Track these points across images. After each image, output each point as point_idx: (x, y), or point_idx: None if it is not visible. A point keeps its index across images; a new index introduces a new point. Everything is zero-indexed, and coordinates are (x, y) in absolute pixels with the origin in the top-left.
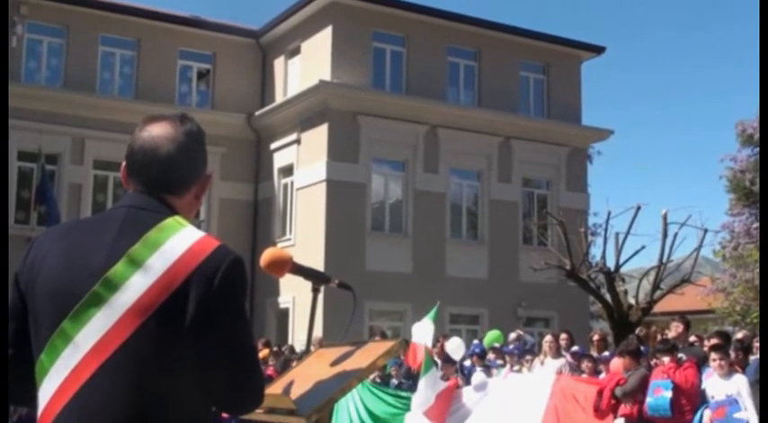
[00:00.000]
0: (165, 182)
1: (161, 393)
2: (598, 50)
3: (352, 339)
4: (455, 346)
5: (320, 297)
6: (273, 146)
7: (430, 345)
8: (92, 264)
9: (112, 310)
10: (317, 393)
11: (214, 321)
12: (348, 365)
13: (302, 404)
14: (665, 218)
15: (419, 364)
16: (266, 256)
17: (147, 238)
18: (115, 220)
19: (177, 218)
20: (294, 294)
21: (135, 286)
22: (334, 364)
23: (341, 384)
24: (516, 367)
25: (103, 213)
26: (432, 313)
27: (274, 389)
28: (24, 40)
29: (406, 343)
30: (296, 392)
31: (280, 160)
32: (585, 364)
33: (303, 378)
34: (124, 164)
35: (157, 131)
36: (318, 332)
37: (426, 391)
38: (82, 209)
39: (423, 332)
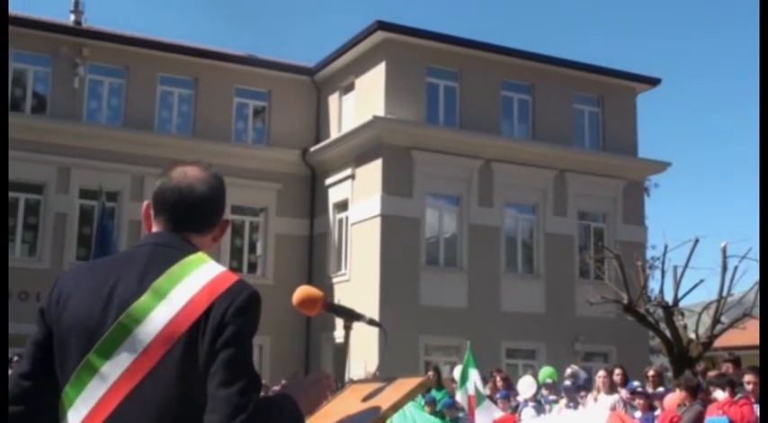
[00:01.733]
0: (193, 220)
1: (184, 420)
2: (653, 82)
3: (387, 375)
4: (527, 385)
5: (375, 333)
6: (328, 181)
7: (479, 388)
8: (118, 299)
9: (137, 342)
10: None
11: (221, 344)
12: (379, 400)
13: None
14: (724, 251)
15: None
16: (298, 293)
17: (171, 272)
18: (141, 257)
19: (200, 254)
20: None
21: (159, 317)
22: (365, 399)
23: (372, 418)
24: (571, 403)
25: (129, 250)
26: (468, 360)
27: None
28: (86, 81)
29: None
30: None
31: (335, 195)
32: (638, 402)
33: (335, 414)
34: (148, 203)
35: (191, 173)
36: (372, 366)
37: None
38: None
39: (471, 385)
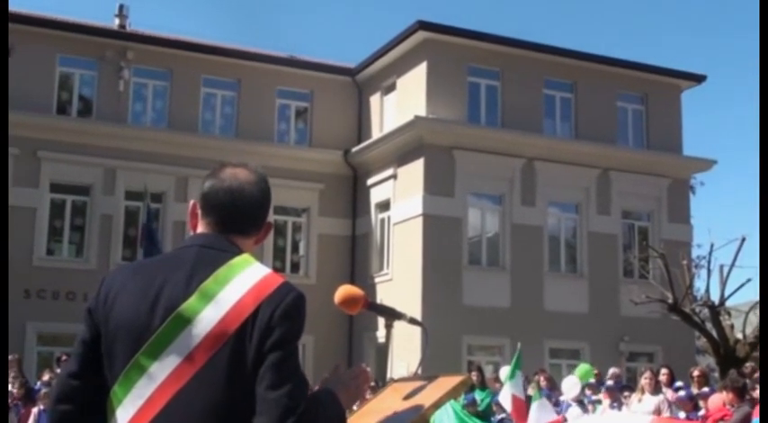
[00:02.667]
0: (241, 222)
1: (231, 420)
2: (699, 79)
3: (428, 373)
4: (571, 384)
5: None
6: (370, 181)
7: (523, 396)
8: (166, 300)
9: (185, 343)
10: None
11: (269, 347)
12: (420, 399)
13: None
14: None
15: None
16: (340, 293)
17: (218, 274)
18: (187, 258)
19: (246, 256)
20: (393, 329)
21: (206, 319)
22: (407, 397)
23: (413, 417)
24: (615, 404)
25: (175, 252)
26: (515, 362)
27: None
28: (131, 83)
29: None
30: None
31: (376, 195)
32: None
33: (377, 412)
34: (195, 202)
35: (241, 175)
36: (415, 366)
37: (538, 417)
38: None
39: (517, 385)
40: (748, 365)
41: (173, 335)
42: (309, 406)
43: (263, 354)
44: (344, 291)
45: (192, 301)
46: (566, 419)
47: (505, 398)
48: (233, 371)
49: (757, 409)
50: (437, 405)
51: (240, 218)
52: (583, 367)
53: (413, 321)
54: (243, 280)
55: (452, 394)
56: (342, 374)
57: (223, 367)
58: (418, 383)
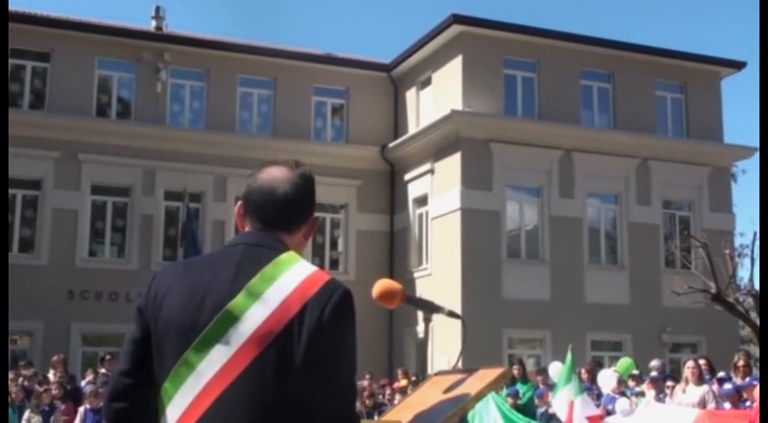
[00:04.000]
0: (280, 219)
1: (278, 418)
2: (738, 66)
3: (467, 367)
4: (606, 378)
5: (459, 326)
6: (407, 176)
7: (578, 399)
8: (213, 298)
9: (233, 341)
10: (430, 418)
11: (322, 351)
12: (461, 391)
13: None
14: None
15: None
16: (378, 287)
17: (264, 272)
18: (234, 257)
19: (291, 253)
20: (432, 323)
21: (253, 317)
22: (447, 390)
23: (454, 409)
24: (660, 394)
25: (221, 250)
26: (568, 363)
27: (391, 416)
28: (168, 85)
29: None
30: (411, 418)
31: (414, 190)
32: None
33: (417, 405)
34: (240, 203)
35: (276, 173)
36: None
37: (581, 411)
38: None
39: (571, 389)
40: None
41: (220, 332)
42: (358, 417)
43: (315, 355)
44: (382, 285)
45: (238, 299)
46: (608, 413)
47: (560, 404)
48: (280, 370)
49: None
50: (477, 398)
51: (277, 215)
52: (624, 361)
53: (451, 314)
54: (289, 278)
55: (492, 387)
56: None
57: (270, 366)
58: (458, 376)
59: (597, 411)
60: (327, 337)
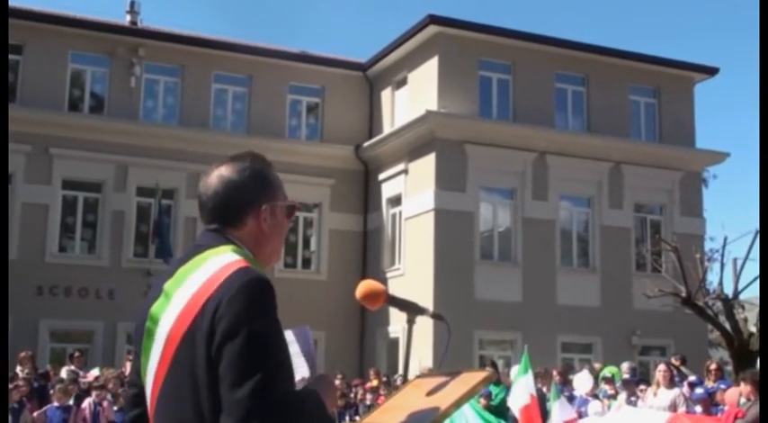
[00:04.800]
0: (217, 217)
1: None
2: (711, 72)
3: (448, 369)
4: (583, 381)
5: (430, 327)
6: (382, 176)
7: (556, 403)
8: (149, 303)
9: (157, 343)
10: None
11: (223, 346)
12: (444, 395)
13: None
14: None
15: None
16: (361, 288)
17: (178, 272)
18: (181, 260)
19: (218, 248)
20: (404, 324)
21: (167, 319)
22: (429, 393)
23: (436, 413)
24: (632, 398)
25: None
26: (523, 365)
27: (371, 419)
28: (142, 80)
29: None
30: (392, 422)
31: (388, 190)
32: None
33: (399, 408)
34: None
35: (213, 172)
36: (428, 362)
37: (556, 417)
38: None
39: (523, 391)
40: None
41: (150, 336)
42: (282, 406)
43: (219, 350)
44: (366, 286)
45: (157, 302)
46: (580, 415)
47: (514, 403)
48: (193, 372)
49: None
50: (459, 403)
51: (213, 213)
52: (610, 369)
53: (435, 316)
54: (199, 275)
55: (476, 390)
56: (323, 377)
57: (184, 369)
58: (441, 379)
59: (574, 415)
60: (223, 325)
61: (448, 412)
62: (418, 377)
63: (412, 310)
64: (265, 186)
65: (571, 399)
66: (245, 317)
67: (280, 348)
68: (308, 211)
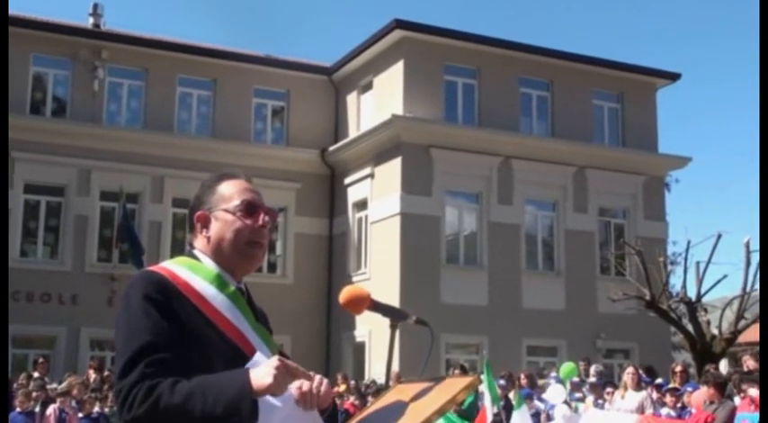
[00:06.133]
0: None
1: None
2: (673, 77)
3: (429, 375)
4: (556, 393)
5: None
6: (347, 180)
7: (489, 405)
8: None
9: None
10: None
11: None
12: (427, 401)
13: None
14: (747, 246)
15: None
16: (345, 294)
17: None
18: None
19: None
20: (370, 328)
21: None
22: (412, 399)
23: (420, 420)
24: (599, 400)
25: None
26: (485, 375)
27: None
28: (105, 83)
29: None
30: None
31: (354, 194)
32: (669, 399)
33: (382, 416)
34: None
35: None
36: (396, 367)
37: None
38: (162, 246)
39: (486, 395)
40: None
41: None
42: (125, 398)
43: None
44: (350, 291)
45: None
46: (549, 418)
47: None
48: None
49: (742, 404)
50: (442, 411)
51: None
52: (567, 366)
53: (419, 322)
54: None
55: (460, 397)
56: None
57: None
58: (424, 385)
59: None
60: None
61: (431, 420)
62: (401, 382)
63: (395, 315)
64: (201, 198)
65: (541, 400)
66: (122, 310)
67: (136, 335)
68: None
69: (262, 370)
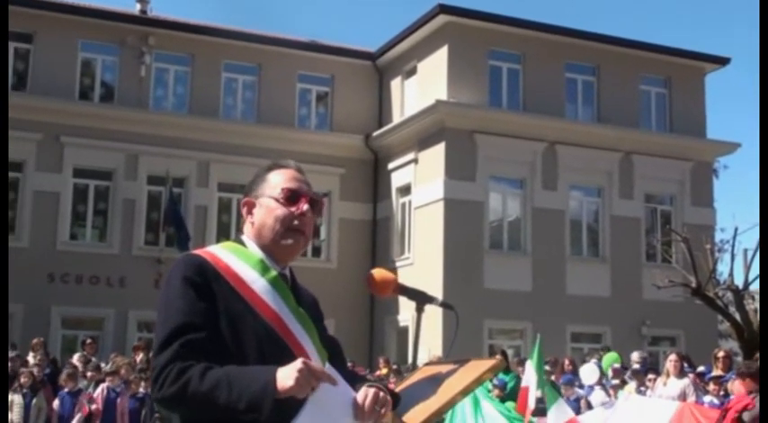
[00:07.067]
0: None
1: None
2: (722, 61)
3: (460, 357)
4: (589, 371)
5: (439, 317)
6: (391, 166)
7: (534, 387)
8: None
9: None
10: (421, 409)
11: None
12: (452, 382)
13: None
14: None
15: (530, 411)
16: (371, 276)
17: None
18: None
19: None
20: (413, 313)
21: None
22: (438, 380)
23: (444, 400)
24: (641, 387)
25: None
26: (535, 353)
27: None
28: (152, 69)
29: (506, 358)
30: (400, 409)
31: (397, 180)
32: (712, 387)
33: (408, 395)
34: None
35: None
36: (437, 351)
37: (556, 418)
38: (207, 230)
39: (529, 376)
40: None
41: None
42: (159, 375)
43: None
44: (376, 274)
45: None
46: (589, 405)
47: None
48: None
49: None
50: (466, 391)
51: None
52: (610, 356)
53: (444, 305)
54: None
55: (483, 378)
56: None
57: None
58: (449, 367)
59: (572, 415)
60: None
61: (455, 400)
62: (426, 364)
63: (421, 299)
64: (250, 184)
65: (581, 387)
66: (162, 295)
67: (172, 316)
68: None
69: (286, 371)
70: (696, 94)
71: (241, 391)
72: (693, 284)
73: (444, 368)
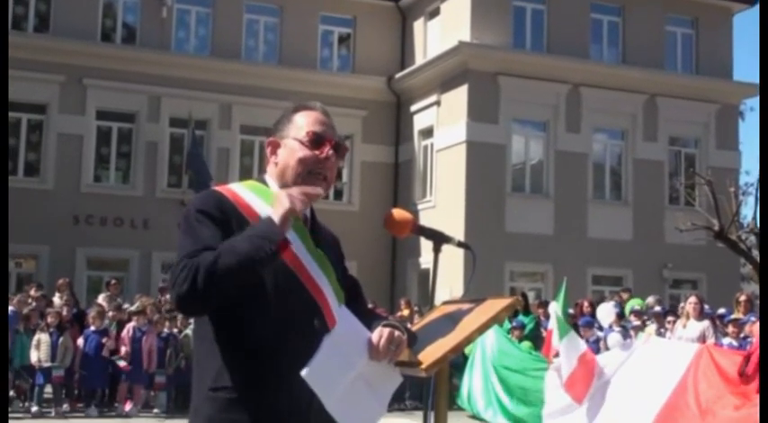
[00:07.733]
0: None
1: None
2: (750, 1)
3: (473, 296)
4: (606, 312)
5: (460, 258)
6: (414, 108)
7: (557, 334)
8: None
9: None
10: (437, 346)
11: None
12: (468, 320)
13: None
14: None
15: (554, 353)
16: (389, 215)
17: None
18: None
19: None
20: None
21: None
22: (455, 318)
23: (460, 338)
24: (661, 329)
25: None
26: (561, 295)
27: None
28: (174, 10)
29: (526, 300)
30: (417, 347)
31: (420, 122)
32: (731, 329)
33: (424, 333)
34: None
35: None
36: (458, 292)
37: (569, 355)
38: (230, 172)
39: (553, 319)
40: None
41: None
42: (179, 272)
43: None
44: (396, 213)
45: None
46: (607, 347)
47: (565, 362)
48: None
49: None
50: (482, 329)
51: None
52: (633, 301)
53: (461, 244)
54: None
55: (500, 317)
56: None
57: None
58: (466, 306)
59: (585, 348)
60: None
61: (471, 338)
62: (444, 303)
63: (438, 238)
64: (275, 125)
65: (600, 329)
66: (183, 219)
67: (191, 234)
68: None
69: (278, 203)
70: (723, 35)
71: (243, 238)
72: (716, 228)
73: (461, 306)
